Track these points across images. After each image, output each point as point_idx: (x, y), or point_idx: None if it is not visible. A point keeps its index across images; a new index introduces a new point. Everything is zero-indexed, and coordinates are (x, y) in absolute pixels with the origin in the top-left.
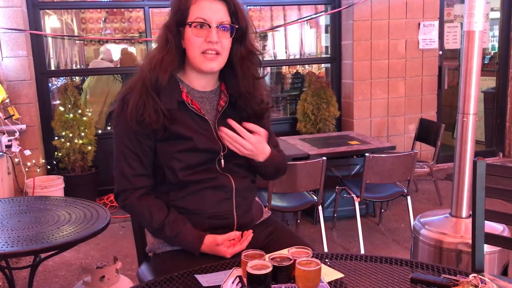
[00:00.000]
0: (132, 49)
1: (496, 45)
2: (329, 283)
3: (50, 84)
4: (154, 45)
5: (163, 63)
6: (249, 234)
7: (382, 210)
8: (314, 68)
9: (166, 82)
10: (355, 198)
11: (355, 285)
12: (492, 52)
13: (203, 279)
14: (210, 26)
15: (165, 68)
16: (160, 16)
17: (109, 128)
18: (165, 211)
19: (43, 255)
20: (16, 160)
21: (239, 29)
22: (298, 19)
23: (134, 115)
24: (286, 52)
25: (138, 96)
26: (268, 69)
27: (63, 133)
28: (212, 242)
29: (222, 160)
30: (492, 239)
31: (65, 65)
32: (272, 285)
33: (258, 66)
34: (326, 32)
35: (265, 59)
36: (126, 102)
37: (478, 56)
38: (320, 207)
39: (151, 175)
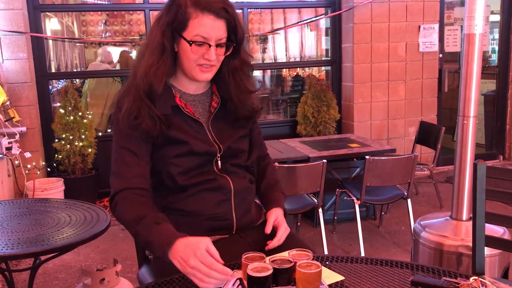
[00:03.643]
0: (132, 52)
1: (496, 48)
2: (330, 285)
3: (50, 87)
4: (146, 49)
5: (158, 71)
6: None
7: (382, 213)
8: (315, 70)
9: (161, 90)
10: (355, 200)
11: (356, 287)
12: (493, 55)
13: None
14: (209, 45)
15: (160, 77)
16: None
17: (109, 130)
18: (154, 209)
19: (43, 258)
20: (16, 162)
21: (236, 45)
22: (298, 22)
23: (126, 120)
24: (286, 55)
25: (131, 102)
26: (269, 72)
27: (64, 136)
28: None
29: (219, 161)
30: (492, 241)
31: (65, 68)
32: None
33: (251, 74)
34: (327, 35)
35: (265, 61)
36: (121, 106)
37: (478, 59)
38: (320, 210)
39: (148, 178)
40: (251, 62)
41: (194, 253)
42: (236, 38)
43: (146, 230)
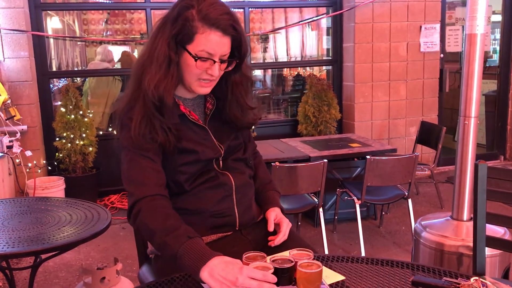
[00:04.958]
0: (135, 51)
1: (498, 48)
2: (330, 285)
3: (51, 85)
4: (151, 61)
5: (168, 85)
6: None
7: (383, 213)
8: (315, 70)
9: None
10: (356, 200)
11: (356, 287)
12: (494, 55)
13: None
14: (214, 61)
15: (170, 91)
16: None
17: (110, 129)
18: (182, 220)
19: (43, 256)
20: (17, 161)
21: (238, 61)
22: (299, 21)
23: (139, 131)
24: (287, 54)
25: (142, 115)
26: (269, 71)
27: (64, 134)
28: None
29: (221, 161)
30: (493, 242)
31: (66, 66)
32: None
33: (251, 88)
34: (328, 34)
35: (266, 61)
36: (131, 116)
37: (480, 59)
38: (321, 209)
39: (165, 185)
40: (252, 77)
41: (240, 270)
42: (239, 54)
43: (178, 243)
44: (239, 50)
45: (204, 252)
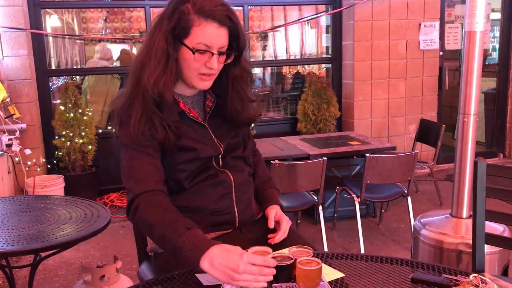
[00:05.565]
0: (133, 49)
1: (497, 46)
2: (330, 282)
3: (50, 84)
4: (150, 57)
5: (167, 80)
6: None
7: (382, 211)
8: (315, 68)
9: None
10: (355, 198)
11: (356, 284)
12: (493, 53)
13: (204, 278)
14: (212, 54)
15: (169, 86)
16: None
17: (109, 127)
18: (181, 214)
19: (43, 254)
20: (17, 159)
21: (237, 54)
22: (299, 19)
23: (139, 128)
24: (286, 52)
25: (141, 111)
26: (269, 69)
27: (64, 132)
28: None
29: (220, 159)
30: (492, 239)
31: (65, 65)
32: (273, 284)
33: (251, 83)
34: (327, 32)
35: (265, 59)
36: (130, 114)
37: (479, 56)
38: (320, 207)
39: (164, 182)
40: (251, 70)
41: (241, 257)
42: (238, 46)
43: (176, 234)
44: (237, 43)
45: (202, 242)
